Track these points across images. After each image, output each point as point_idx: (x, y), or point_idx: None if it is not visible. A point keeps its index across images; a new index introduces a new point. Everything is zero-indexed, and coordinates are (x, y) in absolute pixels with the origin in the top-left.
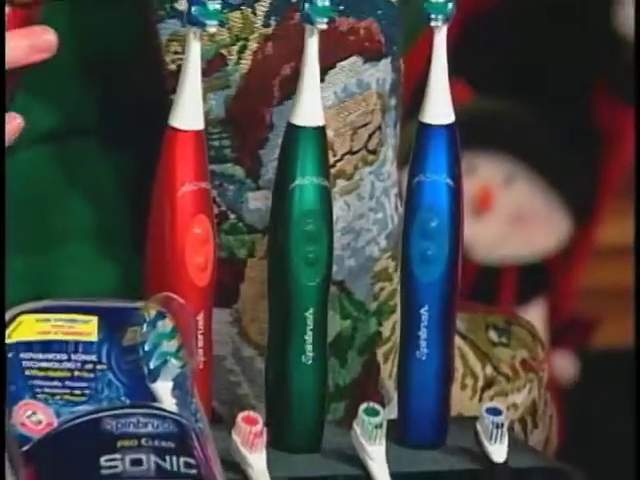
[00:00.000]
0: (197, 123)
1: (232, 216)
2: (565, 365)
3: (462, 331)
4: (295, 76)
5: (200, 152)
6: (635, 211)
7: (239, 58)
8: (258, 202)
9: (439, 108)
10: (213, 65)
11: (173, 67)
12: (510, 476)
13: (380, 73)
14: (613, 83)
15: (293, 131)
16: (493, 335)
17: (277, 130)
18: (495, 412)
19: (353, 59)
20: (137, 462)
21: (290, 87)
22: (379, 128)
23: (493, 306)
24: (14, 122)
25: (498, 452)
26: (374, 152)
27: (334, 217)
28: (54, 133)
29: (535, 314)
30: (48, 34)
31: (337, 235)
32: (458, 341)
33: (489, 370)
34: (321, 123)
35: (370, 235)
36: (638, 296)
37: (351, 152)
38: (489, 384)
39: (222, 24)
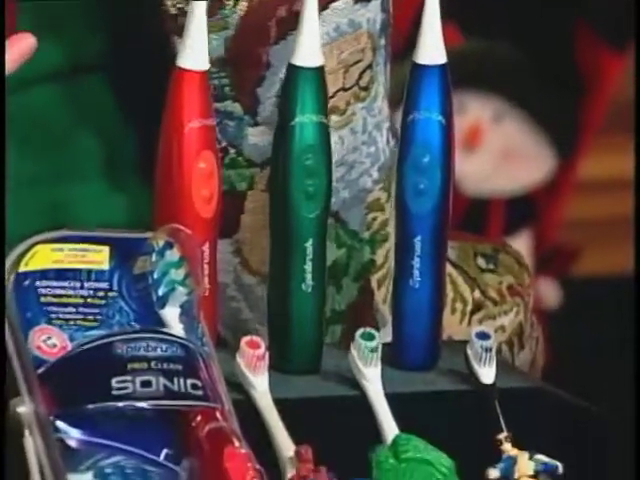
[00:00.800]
0: (203, 63)
1: (232, 151)
2: (549, 291)
3: (452, 259)
4: (290, 17)
5: (205, 91)
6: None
7: (236, 1)
8: (256, 137)
9: (432, 49)
10: (212, 8)
11: (174, 11)
12: (498, 396)
13: (370, 13)
14: (596, 25)
15: (293, 71)
16: (481, 262)
17: (274, 69)
18: (484, 336)
19: (345, 0)
20: (146, 383)
21: (286, 27)
22: (370, 66)
23: (482, 236)
24: (26, 41)
25: (487, 374)
26: (366, 89)
27: None
28: (62, 71)
29: (521, 244)
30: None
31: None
32: (448, 268)
33: (477, 294)
34: (320, 63)
35: (363, 167)
36: (638, 226)
37: (344, 89)
38: (478, 308)
39: None
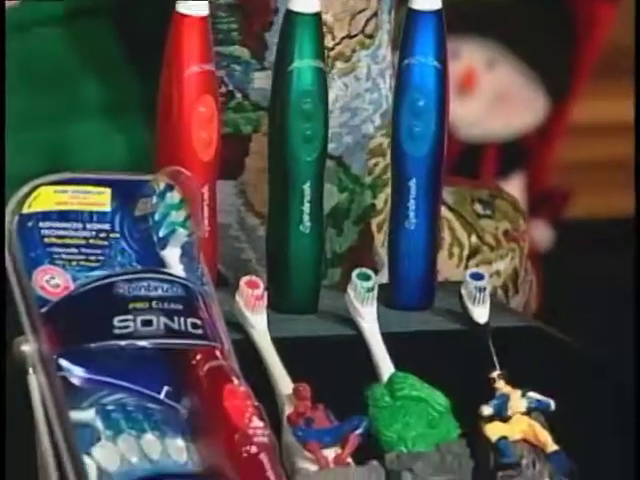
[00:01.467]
0: (202, 9)
1: (238, 95)
2: (542, 234)
3: (450, 204)
4: None
5: (205, 36)
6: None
7: None
8: (262, 82)
9: None
10: None
11: None
12: (492, 335)
13: None
14: None
15: (291, 17)
16: (478, 208)
17: (281, 14)
18: (478, 277)
19: None
20: (148, 323)
21: None
22: (375, 14)
23: (479, 181)
24: None
25: (481, 314)
26: (370, 36)
27: (333, 97)
28: (65, 14)
29: (514, 187)
30: None
31: (336, 113)
32: (446, 213)
33: (474, 239)
34: (317, 9)
35: (366, 114)
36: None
37: (349, 36)
38: (474, 252)
39: None
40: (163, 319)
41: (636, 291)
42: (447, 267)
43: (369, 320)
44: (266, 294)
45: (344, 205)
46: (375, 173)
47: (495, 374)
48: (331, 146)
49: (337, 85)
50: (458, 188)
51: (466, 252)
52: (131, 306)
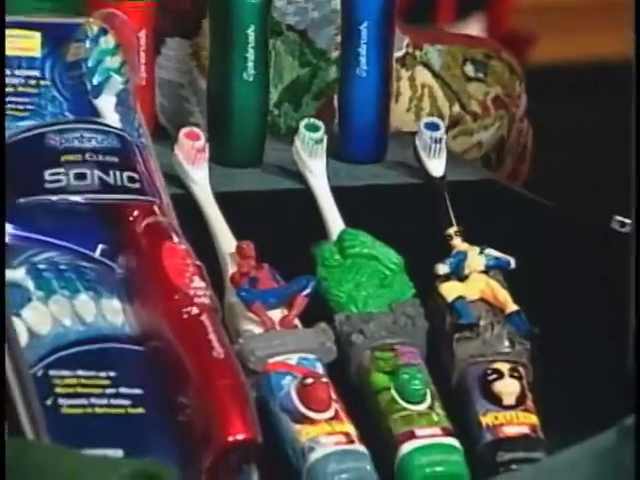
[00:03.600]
0: None
1: None
2: None
3: (436, 69)
4: None
5: None
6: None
7: None
8: None
9: None
10: None
11: None
12: (448, 189)
13: None
14: None
15: None
16: (469, 69)
17: None
18: (433, 127)
19: None
20: (81, 176)
21: None
22: None
23: (476, 39)
24: None
25: (436, 166)
26: None
27: None
28: None
29: (473, 30)
30: None
31: None
32: (429, 80)
33: (457, 109)
34: None
35: None
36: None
37: None
38: (454, 123)
39: None
40: (97, 172)
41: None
42: None
43: (317, 174)
44: (207, 146)
45: (305, 79)
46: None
47: (452, 230)
48: (294, 19)
49: None
50: (450, 47)
51: (446, 123)
52: (63, 159)
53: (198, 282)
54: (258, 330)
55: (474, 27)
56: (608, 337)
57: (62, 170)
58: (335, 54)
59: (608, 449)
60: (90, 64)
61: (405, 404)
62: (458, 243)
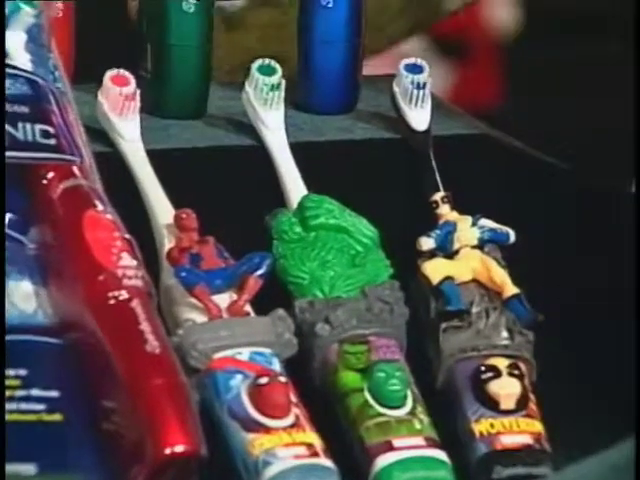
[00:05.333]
0: None
1: None
2: (504, 15)
3: None
4: None
5: None
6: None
7: None
8: None
9: None
10: None
11: None
12: (432, 145)
13: None
14: None
15: None
16: None
17: None
18: (416, 69)
19: None
20: None
21: None
22: None
23: None
24: None
25: (419, 118)
26: None
27: None
28: None
29: None
30: None
31: None
32: None
33: None
34: None
35: None
36: None
37: None
38: None
39: None
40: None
41: None
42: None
43: (274, 127)
44: (139, 93)
45: None
46: None
47: (438, 196)
48: None
49: None
50: None
51: None
52: None
53: (127, 260)
54: (201, 319)
55: None
56: (627, 328)
57: None
58: None
59: (627, 462)
60: None
61: (381, 409)
62: (446, 212)
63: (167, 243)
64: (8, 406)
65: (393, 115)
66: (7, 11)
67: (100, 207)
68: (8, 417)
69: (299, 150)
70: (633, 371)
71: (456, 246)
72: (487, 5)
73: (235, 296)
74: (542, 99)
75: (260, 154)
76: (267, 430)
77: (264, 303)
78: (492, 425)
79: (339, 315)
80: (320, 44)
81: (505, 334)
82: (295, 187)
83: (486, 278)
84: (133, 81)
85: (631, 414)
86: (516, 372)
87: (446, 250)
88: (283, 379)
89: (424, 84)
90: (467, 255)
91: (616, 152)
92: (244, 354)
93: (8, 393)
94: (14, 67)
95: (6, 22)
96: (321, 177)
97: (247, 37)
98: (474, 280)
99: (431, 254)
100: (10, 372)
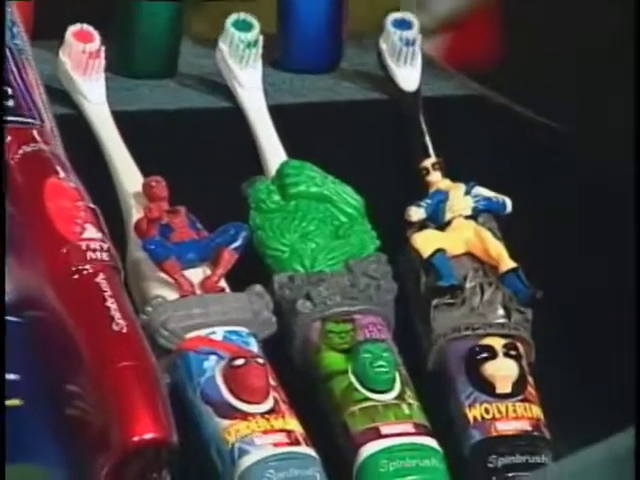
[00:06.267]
0: None
1: None
2: None
3: None
4: None
5: None
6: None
7: None
8: None
9: None
10: None
11: None
12: (423, 107)
13: None
14: None
15: None
16: None
17: None
18: (404, 24)
19: None
20: None
21: None
22: None
23: None
24: None
25: (408, 77)
26: None
27: None
28: None
29: None
30: None
31: None
32: None
33: None
34: None
35: None
36: None
37: None
38: None
39: None
40: None
41: None
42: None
43: (250, 87)
44: (104, 50)
45: None
46: None
47: (429, 162)
48: None
49: None
50: None
51: None
52: None
53: (92, 232)
54: (172, 295)
55: None
56: (629, 305)
57: None
58: None
59: (627, 452)
60: None
61: (367, 393)
62: (437, 179)
63: (135, 213)
64: None
65: (380, 74)
66: None
67: (62, 174)
68: None
69: (278, 112)
70: (634, 352)
71: (448, 216)
72: None
73: (209, 271)
74: (542, 58)
75: (236, 116)
76: (243, 416)
77: (240, 278)
78: (487, 410)
79: (321, 291)
80: (302, 2)
81: (501, 312)
82: (274, 152)
83: (480, 251)
84: (98, 37)
85: (631, 400)
86: (513, 353)
87: (437, 221)
88: (261, 360)
89: (413, 41)
90: (460, 226)
91: (617, 115)
92: (218, 333)
93: None
94: None
95: None
96: (302, 141)
97: None
98: (468, 253)
99: (421, 225)
100: None
